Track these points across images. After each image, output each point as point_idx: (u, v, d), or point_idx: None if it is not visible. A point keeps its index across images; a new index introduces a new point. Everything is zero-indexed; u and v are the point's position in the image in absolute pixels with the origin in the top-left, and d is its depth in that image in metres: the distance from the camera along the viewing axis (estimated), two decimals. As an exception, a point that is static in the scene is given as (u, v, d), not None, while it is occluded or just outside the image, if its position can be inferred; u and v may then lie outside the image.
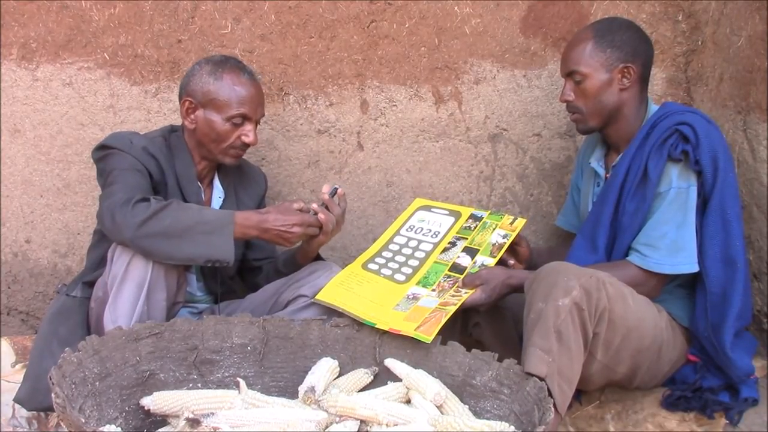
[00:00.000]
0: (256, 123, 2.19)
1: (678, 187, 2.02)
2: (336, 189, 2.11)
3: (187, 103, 2.15)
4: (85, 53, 2.52)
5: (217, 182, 2.29)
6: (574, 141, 2.69)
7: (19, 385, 2.06)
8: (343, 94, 2.63)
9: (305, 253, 2.22)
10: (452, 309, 1.94)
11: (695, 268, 2.02)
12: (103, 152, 2.09)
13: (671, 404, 2.06)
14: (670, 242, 2.01)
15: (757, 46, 2.23)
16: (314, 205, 2.07)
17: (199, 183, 2.21)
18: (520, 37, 2.62)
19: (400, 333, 1.91)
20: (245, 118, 2.14)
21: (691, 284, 2.11)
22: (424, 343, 1.90)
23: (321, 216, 2.05)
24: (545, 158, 2.72)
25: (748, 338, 2.12)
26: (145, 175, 2.06)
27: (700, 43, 2.59)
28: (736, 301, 2.00)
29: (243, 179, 2.36)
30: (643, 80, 2.19)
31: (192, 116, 2.15)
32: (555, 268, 1.88)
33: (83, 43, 2.51)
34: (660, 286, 2.07)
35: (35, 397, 2.00)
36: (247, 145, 2.18)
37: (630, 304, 1.91)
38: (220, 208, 2.25)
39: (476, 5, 2.58)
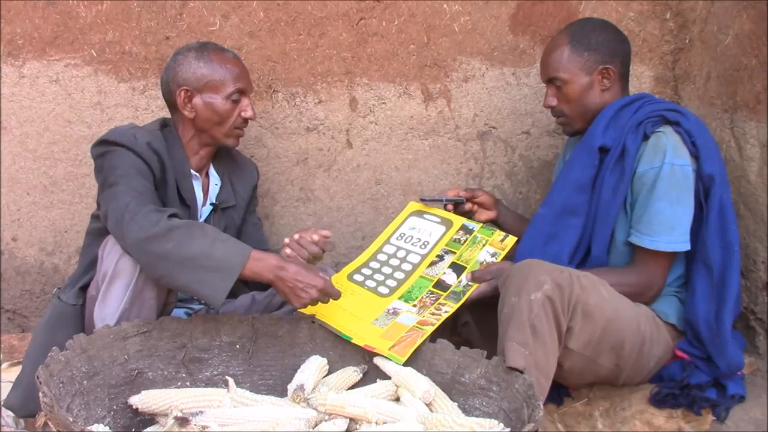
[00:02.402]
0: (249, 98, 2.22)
1: (671, 163, 2.01)
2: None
3: (183, 93, 2.13)
4: (72, 50, 2.50)
5: (212, 171, 2.29)
6: (562, 139, 2.70)
7: (9, 390, 2.02)
8: (332, 91, 2.62)
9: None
10: (429, 330, 1.93)
11: (687, 247, 2.03)
12: (105, 148, 2.02)
13: (659, 401, 2.07)
14: (664, 219, 2.01)
15: (744, 45, 2.25)
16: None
17: (196, 173, 2.21)
18: (509, 35, 2.62)
19: (374, 351, 1.91)
20: (242, 93, 2.17)
21: (678, 279, 2.13)
22: (413, 341, 1.90)
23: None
24: (534, 156, 2.73)
25: (738, 336, 2.15)
26: (148, 175, 2.01)
27: (687, 41, 2.60)
28: (734, 285, 2.03)
29: (236, 168, 2.37)
30: (624, 78, 2.20)
31: (190, 105, 2.14)
32: (528, 264, 1.90)
33: (70, 40, 2.49)
34: (660, 270, 2.07)
35: (27, 405, 1.98)
36: (246, 122, 2.20)
37: (604, 295, 1.92)
38: (217, 195, 2.26)
39: (465, 3, 2.58)
